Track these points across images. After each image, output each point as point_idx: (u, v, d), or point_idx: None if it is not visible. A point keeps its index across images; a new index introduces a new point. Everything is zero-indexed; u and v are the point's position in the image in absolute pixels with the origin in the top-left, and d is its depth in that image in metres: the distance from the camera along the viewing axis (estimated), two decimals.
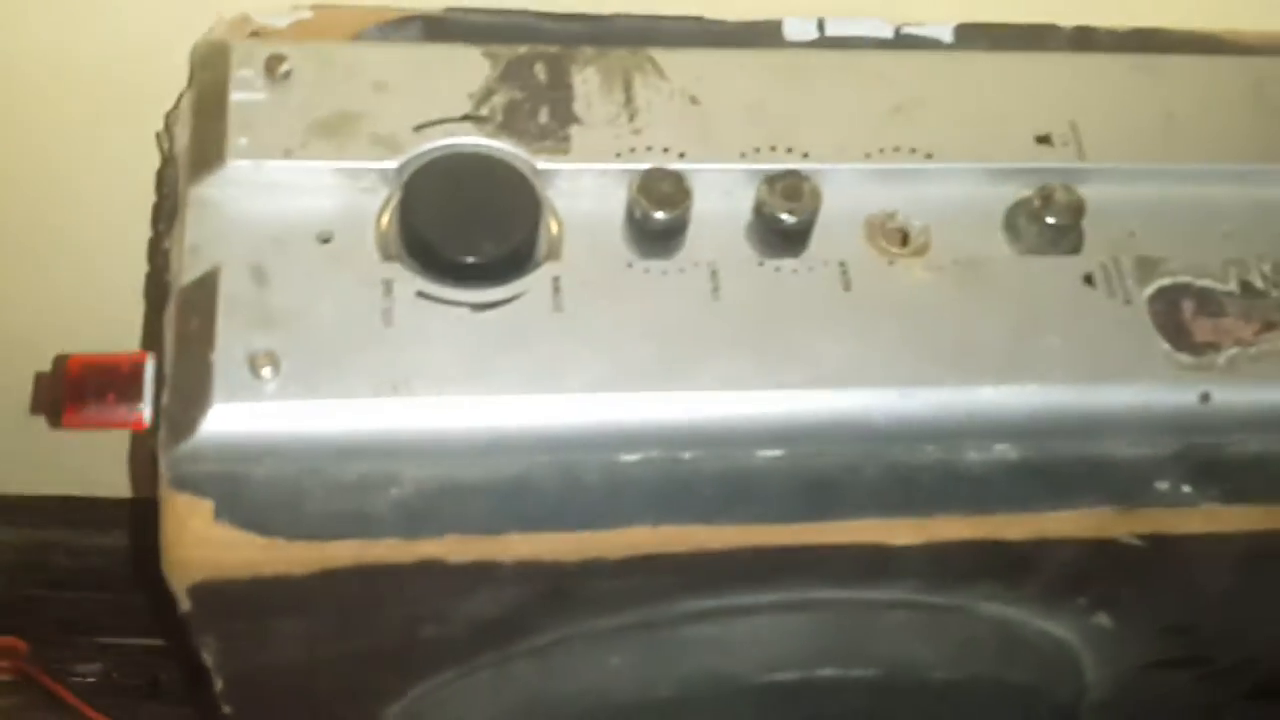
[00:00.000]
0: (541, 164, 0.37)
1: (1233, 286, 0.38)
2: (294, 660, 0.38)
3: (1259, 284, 0.38)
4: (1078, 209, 0.38)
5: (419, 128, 0.37)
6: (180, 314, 0.34)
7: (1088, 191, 0.38)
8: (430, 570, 0.33)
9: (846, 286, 0.36)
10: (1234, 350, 0.36)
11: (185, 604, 0.34)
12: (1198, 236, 0.39)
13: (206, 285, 0.34)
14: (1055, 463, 0.36)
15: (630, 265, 0.36)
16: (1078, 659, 0.42)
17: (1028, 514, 0.36)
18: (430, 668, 0.39)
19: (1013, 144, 0.39)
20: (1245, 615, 0.43)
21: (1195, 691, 0.47)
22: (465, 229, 0.35)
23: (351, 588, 0.34)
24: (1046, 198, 0.38)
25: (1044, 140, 0.39)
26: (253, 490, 0.33)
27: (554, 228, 0.36)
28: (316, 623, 0.36)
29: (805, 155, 0.38)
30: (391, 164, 0.36)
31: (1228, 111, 0.41)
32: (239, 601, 0.34)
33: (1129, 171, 0.39)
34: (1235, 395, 0.36)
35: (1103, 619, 0.41)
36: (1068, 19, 0.44)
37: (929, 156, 0.38)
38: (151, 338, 0.36)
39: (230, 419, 0.32)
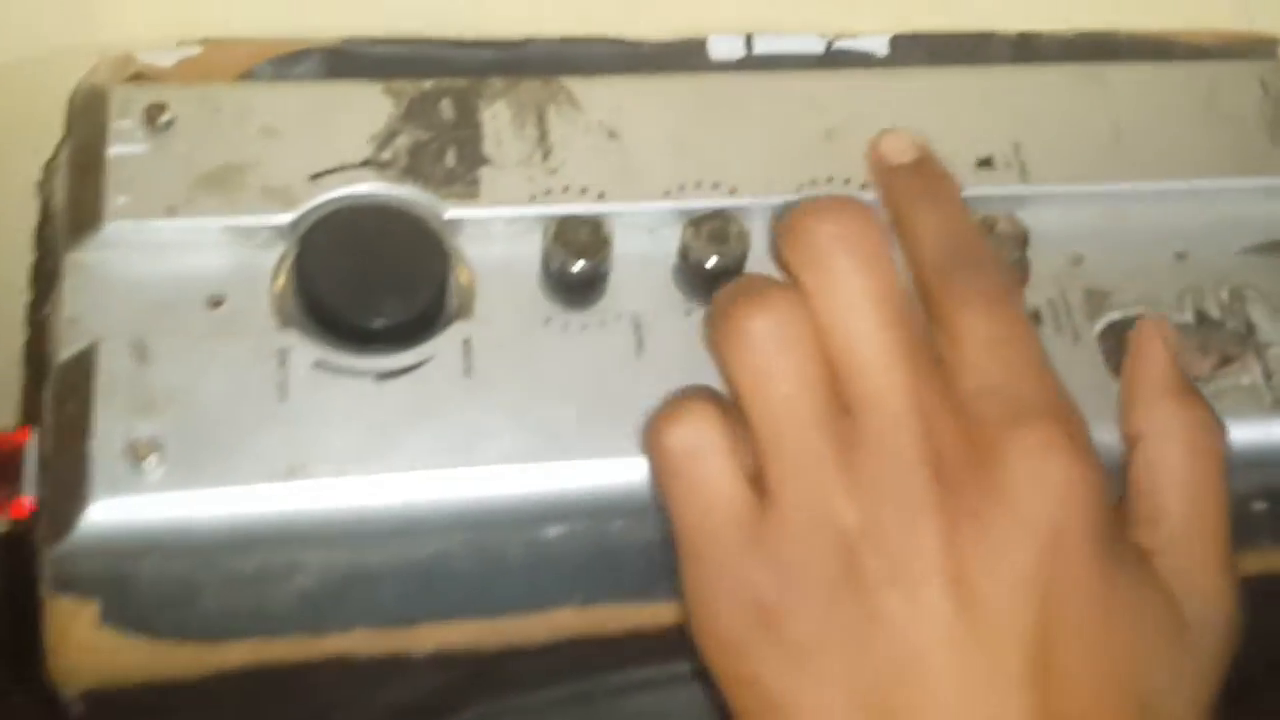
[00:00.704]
0: (449, 212, 0.34)
1: (1187, 317, 0.36)
2: None
3: (1215, 313, 0.36)
4: (1021, 239, 0.35)
5: (315, 176, 0.34)
6: (56, 397, 0.31)
7: (1032, 217, 0.36)
8: (338, 666, 0.31)
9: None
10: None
11: (77, 708, 0.32)
12: (1149, 262, 0.37)
13: (83, 364, 0.31)
14: None
15: (548, 320, 0.33)
16: None
17: None
18: None
19: (952, 169, 0.37)
20: None
21: None
22: (366, 289, 0.32)
23: (253, 686, 0.31)
24: (989, 229, 0.35)
25: (986, 163, 0.37)
26: (140, 589, 0.30)
27: (465, 280, 0.34)
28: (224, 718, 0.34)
29: (733, 190, 0.35)
30: (285, 218, 0.33)
31: (1179, 123, 0.39)
32: (133, 705, 0.32)
33: (1075, 195, 0.37)
34: None
35: None
36: (1009, 24, 0.42)
37: (864, 188, 0.36)
38: (34, 410, 0.33)
39: (111, 513, 0.30)
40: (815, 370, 0.29)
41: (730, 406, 0.30)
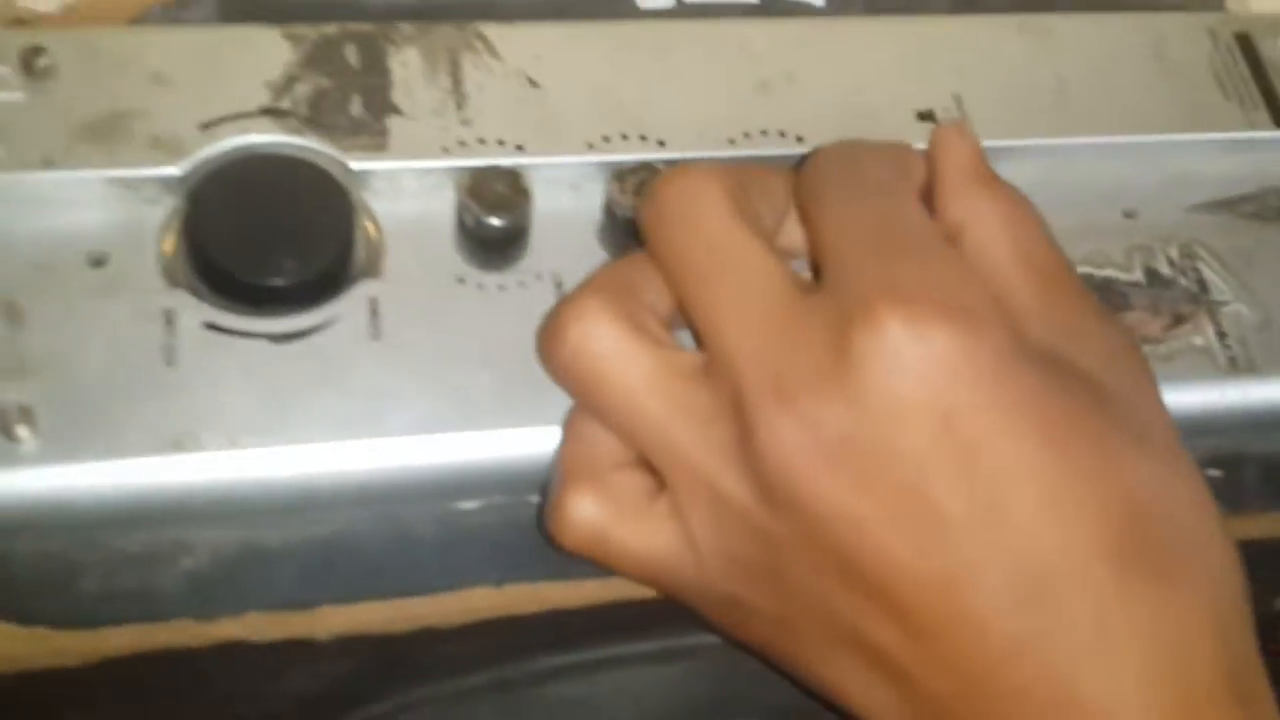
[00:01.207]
0: (355, 163, 0.32)
1: (1138, 276, 0.34)
2: None
3: (1166, 271, 0.34)
4: None
5: (206, 125, 0.31)
6: None
7: None
8: (232, 653, 0.28)
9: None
10: (1142, 348, 0.33)
11: None
12: (1098, 220, 0.35)
13: None
14: None
15: (462, 280, 0.31)
16: None
17: None
18: None
19: (892, 122, 0.35)
20: None
21: None
22: (263, 246, 0.30)
23: (140, 676, 0.29)
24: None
25: (926, 117, 0.35)
26: (15, 571, 0.28)
27: (372, 237, 0.31)
28: (111, 715, 0.31)
29: (661, 143, 0.33)
30: (174, 170, 0.31)
31: (1126, 76, 0.37)
32: (15, 697, 0.29)
33: (1020, 149, 0.35)
34: None
35: None
36: None
37: (800, 140, 0.34)
38: None
39: None
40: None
41: (621, 278, 0.29)
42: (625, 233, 0.32)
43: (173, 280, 0.30)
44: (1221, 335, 0.33)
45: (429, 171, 0.32)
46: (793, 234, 0.30)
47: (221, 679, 0.31)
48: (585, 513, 0.28)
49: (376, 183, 0.32)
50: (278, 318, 0.29)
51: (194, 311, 0.29)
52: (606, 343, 0.27)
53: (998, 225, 0.29)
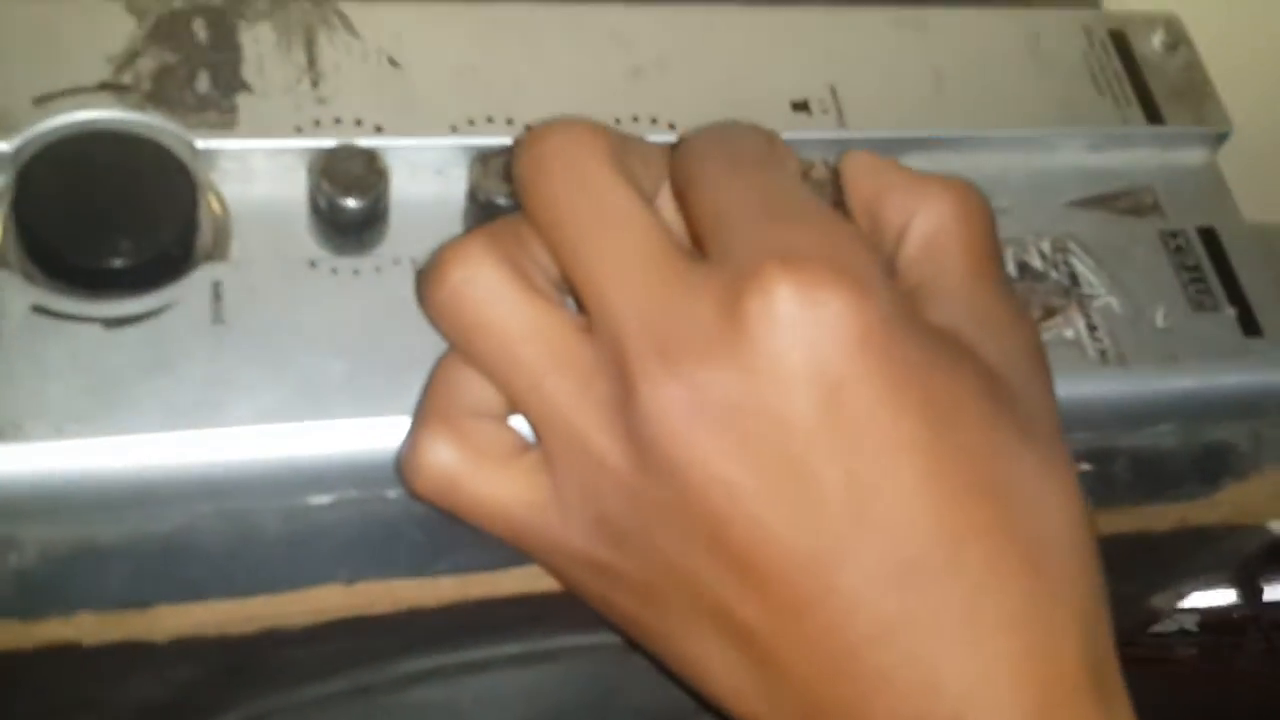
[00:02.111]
0: (201, 142, 0.30)
1: (1009, 270, 0.34)
2: None
3: (1038, 264, 0.34)
4: (838, 185, 0.33)
5: (40, 100, 0.29)
6: None
7: None
8: (63, 656, 0.27)
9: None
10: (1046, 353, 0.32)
11: None
12: None
13: None
14: None
15: (314, 264, 0.30)
16: None
17: None
18: None
19: (766, 112, 0.34)
20: None
21: None
22: (97, 225, 0.28)
23: None
24: (804, 174, 0.33)
25: (801, 107, 0.34)
26: None
27: (218, 219, 0.30)
28: None
29: (527, 127, 0.32)
30: (3, 146, 0.29)
31: (1001, 70, 0.37)
32: None
33: (895, 141, 0.35)
34: None
35: None
36: None
37: (671, 127, 0.33)
38: None
39: None
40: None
41: (511, 230, 0.28)
42: (490, 218, 0.31)
43: (1, 261, 0.28)
44: (1092, 328, 0.33)
45: (281, 151, 0.30)
46: (664, 211, 0.29)
47: (54, 685, 0.29)
48: (439, 456, 0.27)
49: (224, 162, 0.30)
50: (112, 301, 0.28)
51: (21, 294, 0.27)
52: (489, 287, 0.26)
53: (949, 213, 0.29)
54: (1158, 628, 0.72)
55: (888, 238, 0.30)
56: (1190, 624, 0.73)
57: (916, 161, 0.35)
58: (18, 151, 0.29)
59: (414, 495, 0.27)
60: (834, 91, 0.35)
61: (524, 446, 0.27)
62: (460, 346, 0.27)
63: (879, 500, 0.25)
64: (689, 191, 0.28)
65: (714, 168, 0.28)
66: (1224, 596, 0.70)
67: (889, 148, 0.35)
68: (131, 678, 0.29)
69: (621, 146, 0.28)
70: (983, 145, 0.36)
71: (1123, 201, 0.37)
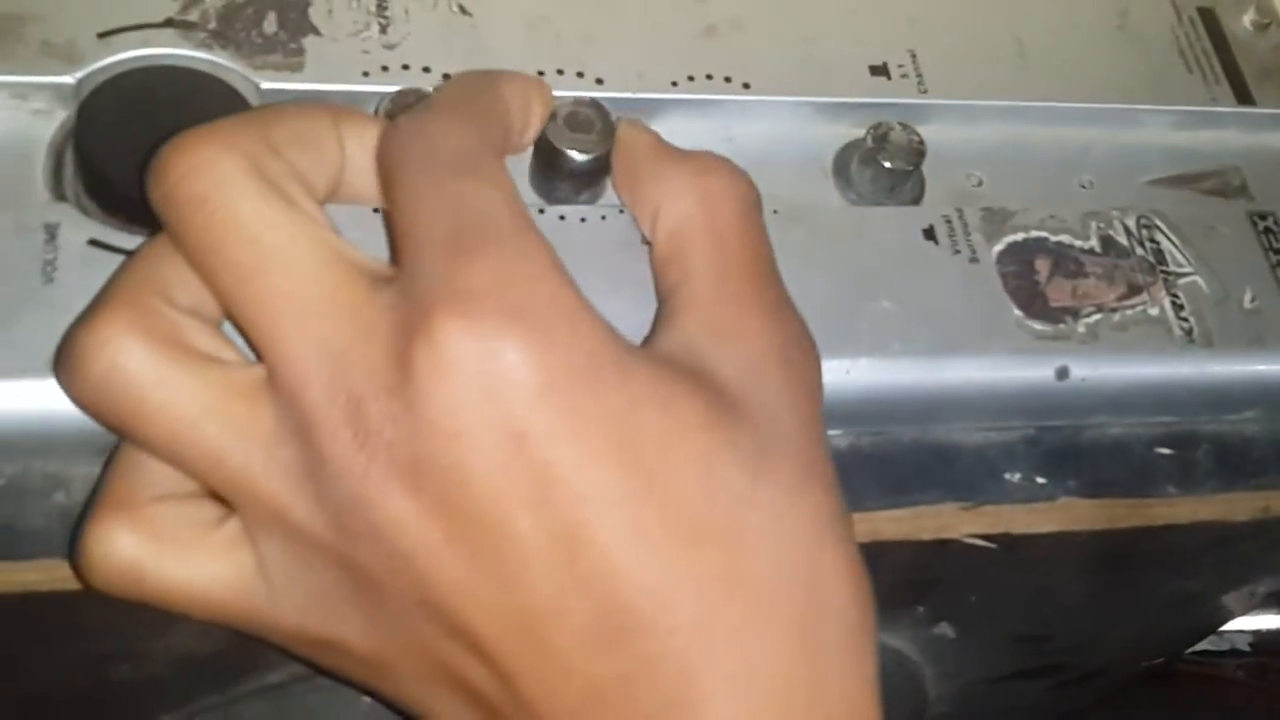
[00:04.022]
0: (266, 83, 0.29)
1: (1094, 243, 0.32)
2: None
3: (1122, 240, 0.33)
4: (917, 151, 0.32)
5: (105, 34, 0.29)
6: None
7: (929, 132, 0.32)
8: (103, 604, 0.26)
9: (645, 238, 0.30)
10: (1095, 317, 0.31)
11: None
12: (1053, 186, 0.34)
13: None
14: (889, 450, 0.30)
15: (377, 210, 0.29)
16: (918, 674, 0.37)
17: (858, 512, 0.30)
18: (136, 716, 0.31)
19: (844, 75, 0.33)
20: (1103, 621, 0.38)
21: (1047, 702, 0.42)
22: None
23: (8, 620, 0.26)
24: (882, 138, 0.32)
25: (880, 71, 0.33)
26: None
27: None
28: None
29: (599, 81, 0.31)
30: (68, 79, 0.28)
31: (1086, 43, 0.36)
32: None
33: (976, 109, 0.34)
34: (1096, 370, 0.31)
35: (946, 629, 0.36)
36: None
37: (746, 87, 0.32)
38: None
39: None
40: None
41: (151, 283, 0.24)
42: (556, 171, 0.30)
43: (59, 195, 0.28)
44: (1178, 307, 0.32)
45: (346, 95, 0.30)
46: (357, 181, 0.26)
47: (92, 634, 0.28)
48: (114, 546, 0.24)
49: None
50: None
51: (79, 227, 0.27)
52: (138, 371, 0.23)
53: (694, 201, 0.27)
54: (1208, 646, 0.70)
55: (645, 229, 0.28)
56: (1242, 644, 0.72)
57: (995, 131, 0.34)
58: (80, 84, 0.28)
59: (96, 592, 0.24)
60: (914, 56, 0.34)
61: (220, 518, 0.25)
62: (125, 437, 0.25)
63: (584, 557, 0.22)
64: (386, 196, 0.25)
65: (409, 174, 0.25)
66: (1278, 619, 0.68)
67: (967, 115, 0.34)
68: (173, 629, 0.28)
69: (267, 147, 0.24)
70: (1065, 118, 0.35)
71: (1208, 182, 0.35)
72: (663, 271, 0.27)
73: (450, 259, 0.23)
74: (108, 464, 0.25)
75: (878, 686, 0.25)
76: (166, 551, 0.24)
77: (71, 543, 0.25)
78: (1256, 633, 0.71)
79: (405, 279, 0.23)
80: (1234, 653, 0.71)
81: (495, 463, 0.22)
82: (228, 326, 0.25)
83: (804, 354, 0.26)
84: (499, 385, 0.22)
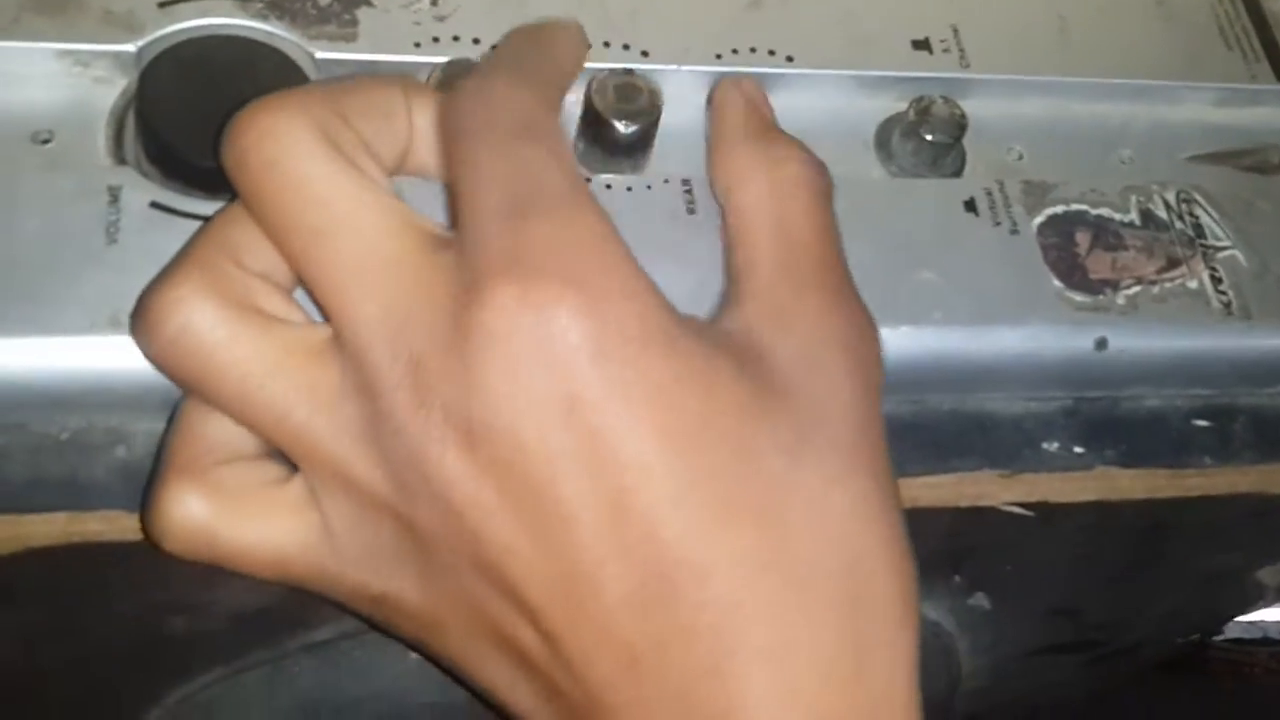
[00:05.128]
0: (321, 53, 0.30)
1: (1133, 217, 0.33)
2: (11, 662, 0.31)
3: (1162, 214, 0.33)
4: (959, 125, 0.32)
5: (165, 4, 0.30)
6: None
7: (971, 106, 0.33)
8: (159, 555, 0.27)
9: (691, 208, 0.30)
10: (1134, 289, 0.31)
11: None
12: (1094, 160, 0.34)
13: None
14: (929, 418, 0.31)
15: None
16: (952, 647, 0.37)
17: (898, 478, 0.30)
18: (188, 669, 0.32)
19: (886, 49, 0.33)
20: (1138, 595, 0.38)
21: (1080, 678, 0.42)
22: (216, 127, 0.28)
23: (69, 572, 0.27)
24: (924, 111, 0.32)
25: (922, 46, 0.34)
26: None
27: None
28: (33, 615, 0.29)
29: (645, 53, 0.32)
30: (129, 47, 0.29)
31: (1127, 20, 0.36)
32: None
33: (1018, 84, 0.34)
34: (1135, 341, 0.31)
35: (981, 600, 0.36)
36: None
37: (789, 60, 0.33)
38: None
39: None
40: None
41: (223, 247, 0.25)
42: (603, 141, 0.30)
43: (119, 159, 0.28)
44: (1217, 280, 0.32)
45: (400, 65, 0.30)
46: (424, 154, 0.27)
47: (152, 582, 0.29)
48: (186, 510, 0.25)
49: (342, 73, 0.30)
50: (227, 201, 0.28)
51: (140, 190, 0.28)
52: (209, 330, 0.24)
53: (764, 189, 0.27)
54: (1240, 634, 0.70)
55: (718, 198, 0.28)
56: (1275, 632, 0.72)
57: (1038, 107, 0.34)
58: (141, 53, 0.29)
59: (169, 557, 0.25)
60: (956, 31, 0.34)
61: (285, 478, 0.25)
62: (194, 393, 0.25)
63: (626, 523, 0.23)
64: (447, 161, 0.26)
65: (469, 139, 0.25)
66: None
67: (1010, 90, 0.34)
68: (231, 581, 0.29)
69: (338, 116, 0.25)
70: (1106, 94, 0.35)
71: (1247, 159, 0.35)
72: (731, 249, 0.28)
73: (507, 224, 0.23)
74: (169, 429, 0.26)
75: (917, 679, 0.25)
76: (237, 512, 0.25)
77: (142, 509, 0.26)
78: None
79: (464, 243, 0.24)
80: (1266, 641, 0.71)
81: (546, 426, 0.23)
82: (300, 295, 0.26)
83: (864, 342, 0.27)
84: (552, 350, 0.22)
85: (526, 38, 0.29)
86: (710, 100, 0.29)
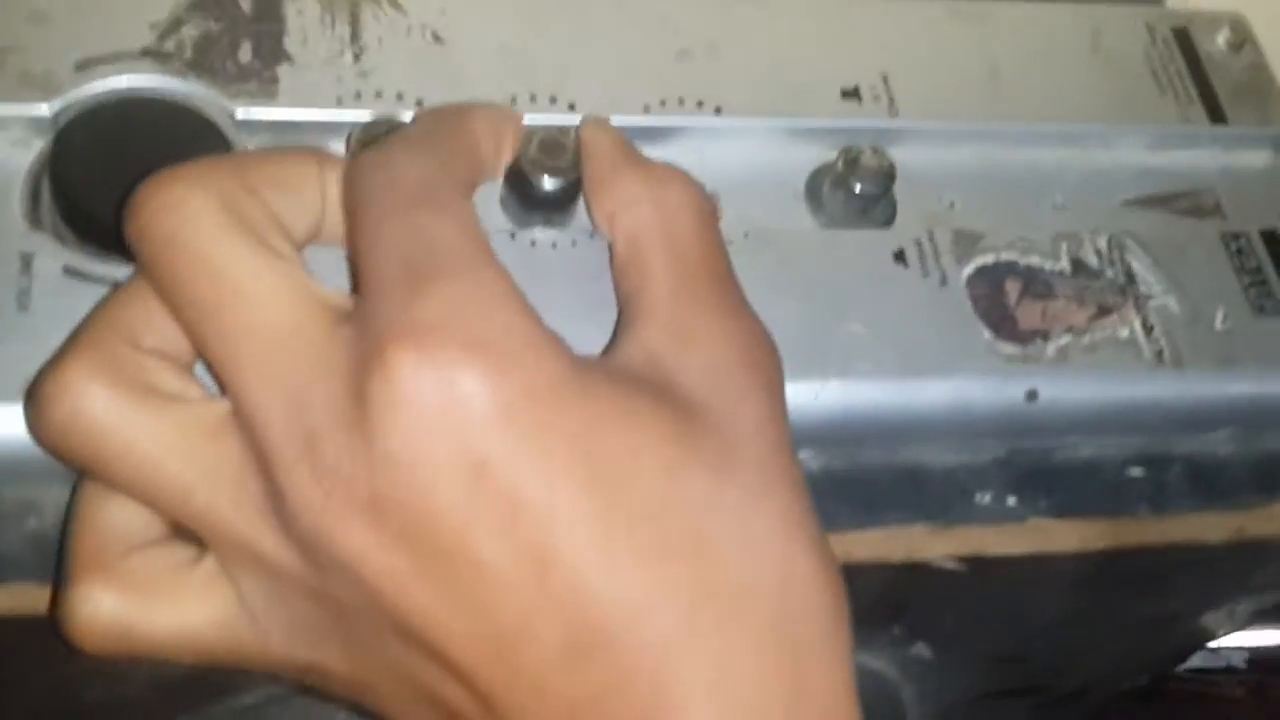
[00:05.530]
0: (241, 111, 0.30)
1: (1063, 265, 0.33)
2: None
3: (1093, 262, 0.33)
4: (888, 175, 0.32)
5: (82, 65, 0.29)
6: None
7: (902, 154, 0.33)
8: None
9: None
10: (1065, 339, 0.31)
11: None
12: (1025, 208, 0.34)
13: None
14: (859, 473, 0.31)
15: None
16: (896, 695, 0.37)
17: (829, 534, 0.30)
18: None
19: (816, 98, 0.33)
20: (1081, 642, 0.38)
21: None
22: (132, 189, 0.28)
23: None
24: (852, 162, 0.32)
25: (851, 95, 0.34)
26: None
27: None
28: None
29: (571, 106, 0.32)
30: (44, 109, 0.29)
31: (1060, 65, 0.36)
32: None
33: (948, 132, 0.34)
34: (1066, 391, 0.31)
35: (923, 649, 0.36)
36: None
37: (718, 111, 0.32)
38: None
39: None
40: None
41: (116, 325, 0.25)
42: (529, 196, 0.30)
43: (36, 222, 0.28)
44: (1148, 328, 0.32)
45: (320, 123, 0.30)
46: (337, 224, 0.26)
47: (68, 655, 0.28)
48: (97, 609, 0.24)
49: (264, 133, 0.30)
50: None
51: (53, 256, 0.27)
52: (101, 413, 0.23)
53: (650, 210, 0.27)
54: (1204, 664, 0.70)
55: (603, 231, 0.28)
56: (1239, 661, 0.71)
57: (968, 154, 0.34)
58: (57, 115, 0.29)
59: (84, 654, 0.25)
60: (886, 79, 0.34)
61: (195, 558, 0.25)
62: (94, 477, 0.25)
63: (552, 577, 0.23)
64: (348, 228, 0.25)
65: (369, 205, 0.25)
66: (1275, 636, 0.68)
67: (940, 138, 0.34)
68: None
69: (244, 188, 0.24)
70: (1038, 139, 0.35)
71: (1182, 202, 0.35)
72: (622, 275, 0.27)
73: (405, 290, 0.23)
74: (69, 517, 0.25)
75: (854, 685, 0.25)
76: (149, 603, 0.25)
77: (51, 608, 0.25)
78: (1254, 649, 0.70)
79: (363, 312, 0.23)
80: (1230, 670, 0.71)
81: (456, 491, 0.22)
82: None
83: (765, 355, 0.27)
84: (455, 414, 0.22)
85: (438, 114, 0.28)
86: (578, 138, 0.29)
